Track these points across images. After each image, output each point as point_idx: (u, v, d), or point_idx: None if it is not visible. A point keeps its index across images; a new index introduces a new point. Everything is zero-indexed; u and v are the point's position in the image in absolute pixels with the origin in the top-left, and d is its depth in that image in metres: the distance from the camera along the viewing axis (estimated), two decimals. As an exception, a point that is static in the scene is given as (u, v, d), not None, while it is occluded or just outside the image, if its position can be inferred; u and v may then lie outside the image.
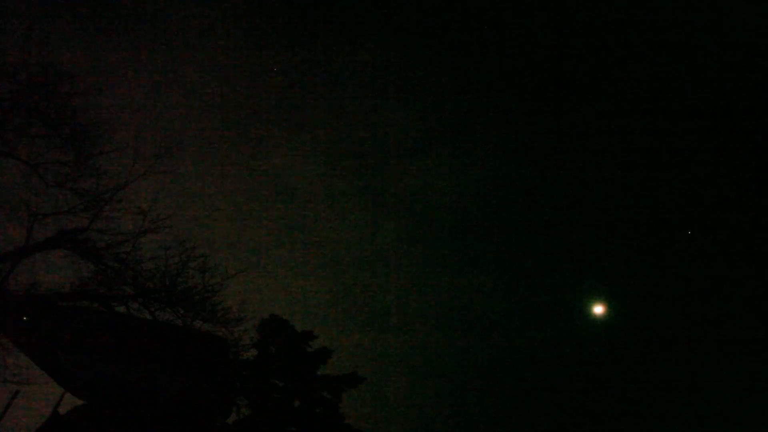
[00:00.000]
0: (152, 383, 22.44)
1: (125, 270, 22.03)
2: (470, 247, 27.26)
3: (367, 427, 24.33)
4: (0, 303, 21.10)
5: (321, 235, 26.46)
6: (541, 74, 27.97)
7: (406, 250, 26.75)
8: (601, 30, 27.93)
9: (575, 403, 26.19)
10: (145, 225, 22.12)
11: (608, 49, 27.92)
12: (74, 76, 21.91)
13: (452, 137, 27.73)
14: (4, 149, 21.18)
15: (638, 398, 26.29)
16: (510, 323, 26.74)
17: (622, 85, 28.02)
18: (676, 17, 28.00)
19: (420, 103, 27.56)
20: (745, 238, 27.50)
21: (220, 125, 26.25)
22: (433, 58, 27.71)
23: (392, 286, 26.35)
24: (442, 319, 26.57)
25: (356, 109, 27.19)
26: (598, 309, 26.83)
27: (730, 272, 27.38)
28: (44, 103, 21.39)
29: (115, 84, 24.85)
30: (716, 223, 27.55)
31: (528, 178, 27.69)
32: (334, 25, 27.27)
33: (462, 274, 26.98)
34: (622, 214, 27.59)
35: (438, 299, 26.68)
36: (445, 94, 27.84)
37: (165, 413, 22.73)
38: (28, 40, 22.46)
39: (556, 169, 27.80)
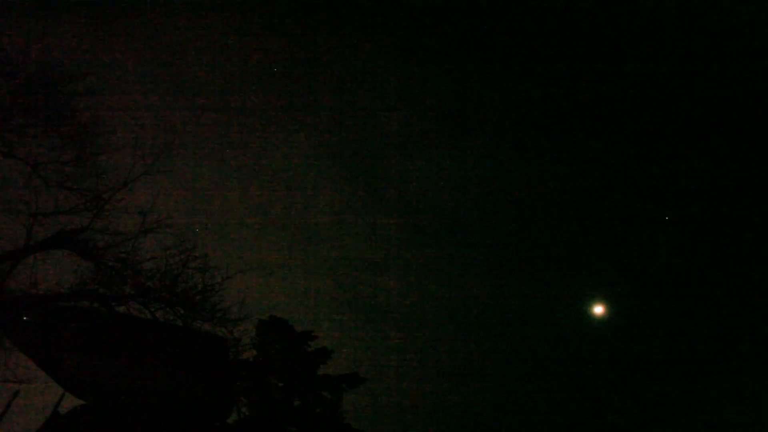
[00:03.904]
0: (152, 383, 22.45)
1: (125, 270, 22.02)
2: (470, 246, 27.26)
3: (367, 427, 24.34)
4: (0, 303, 21.09)
5: (321, 235, 26.47)
6: (540, 74, 27.98)
7: (407, 248, 26.76)
8: (602, 26, 27.95)
9: (575, 403, 26.21)
10: (145, 225, 22.14)
11: (609, 47, 27.94)
12: (74, 76, 21.93)
13: (453, 136, 27.75)
14: (4, 149, 21.18)
15: (638, 398, 26.30)
16: (510, 323, 26.75)
17: (621, 84, 28.03)
18: (677, 14, 28.03)
19: (421, 102, 27.57)
20: (745, 238, 27.51)
21: (221, 124, 26.25)
22: (434, 56, 27.73)
23: (392, 286, 26.36)
24: (442, 318, 26.59)
25: (357, 107, 27.20)
26: (598, 309, 26.84)
27: (730, 272, 27.41)
28: (44, 103, 21.39)
29: (115, 84, 24.85)
30: (717, 222, 27.56)
31: (528, 177, 27.71)
32: (335, 23, 27.29)
33: (462, 273, 26.99)
34: (622, 214, 27.61)
35: (438, 298, 26.69)
36: (446, 92, 27.86)
37: (165, 413, 22.73)
38: (28, 40, 22.49)
39: (556, 168, 27.82)
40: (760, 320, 26.88)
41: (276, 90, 26.76)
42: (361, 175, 27.11)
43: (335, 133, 27.04)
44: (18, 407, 21.74)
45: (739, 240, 27.53)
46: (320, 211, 26.52)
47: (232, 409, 23.52)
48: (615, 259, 27.43)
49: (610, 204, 27.66)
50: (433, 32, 27.81)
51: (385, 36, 27.42)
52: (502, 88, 27.93)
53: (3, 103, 21.05)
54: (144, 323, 22.26)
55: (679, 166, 27.89)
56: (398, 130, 27.32)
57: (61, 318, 21.75)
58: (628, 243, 27.48)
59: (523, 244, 27.39)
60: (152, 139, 23.79)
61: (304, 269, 25.86)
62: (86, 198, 21.73)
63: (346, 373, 24.10)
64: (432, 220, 27.30)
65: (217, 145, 26.00)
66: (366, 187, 27.05)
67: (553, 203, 27.58)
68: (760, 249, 27.44)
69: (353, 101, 27.16)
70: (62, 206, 21.66)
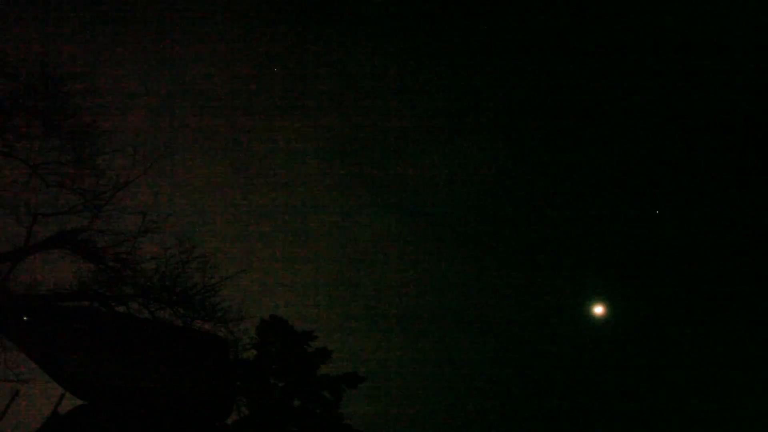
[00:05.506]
0: (152, 383, 22.47)
1: (125, 270, 22.06)
2: (470, 246, 27.28)
3: (367, 427, 24.35)
4: (0, 303, 21.12)
5: (322, 234, 26.49)
6: (540, 73, 27.98)
7: (406, 248, 26.77)
8: (602, 24, 27.96)
9: (575, 403, 26.21)
10: (145, 225, 22.16)
11: (609, 45, 27.93)
12: (74, 76, 21.95)
13: (453, 136, 27.74)
14: (4, 149, 21.20)
15: (638, 398, 26.30)
16: (510, 322, 26.75)
17: (621, 84, 28.03)
18: (676, 15, 28.03)
19: (422, 101, 27.57)
20: (745, 238, 27.51)
21: (221, 124, 26.26)
22: (434, 55, 27.74)
23: (392, 286, 26.38)
24: (442, 317, 26.59)
25: (358, 107, 27.21)
26: (598, 309, 26.85)
27: (729, 272, 27.40)
28: (44, 103, 21.42)
29: (115, 84, 24.86)
30: (716, 222, 27.57)
31: (528, 177, 27.71)
32: (335, 23, 27.30)
33: (462, 273, 26.99)
34: (622, 214, 27.60)
35: (438, 298, 26.70)
36: (447, 91, 27.86)
37: (165, 413, 22.76)
38: (28, 40, 22.52)
39: (556, 168, 27.82)
40: (761, 319, 26.89)
41: (276, 90, 26.78)
42: (362, 174, 27.12)
43: (335, 133, 27.07)
44: (18, 407, 21.77)
45: (739, 239, 27.54)
46: (320, 211, 26.53)
47: (232, 409, 23.54)
48: (615, 259, 27.44)
49: (610, 204, 27.67)
50: (433, 31, 27.83)
51: (385, 36, 27.44)
52: (502, 87, 27.95)
53: (3, 103, 21.06)
54: (144, 323, 22.29)
55: (679, 166, 27.91)
56: (398, 129, 27.34)
57: (61, 318, 21.78)
58: (627, 243, 27.49)
59: (523, 244, 27.41)
60: (152, 139, 23.83)
61: (304, 268, 25.88)
62: (86, 198, 21.78)
63: (345, 373, 24.11)
64: (432, 219, 27.32)
65: (217, 145, 26.03)
66: (366, 186, 27.06)
67: (553, 203, 27.60)
68: (760, 247, 27.44)
69: (353, 101, 27.18)
70: (62, 206, 21.72)
